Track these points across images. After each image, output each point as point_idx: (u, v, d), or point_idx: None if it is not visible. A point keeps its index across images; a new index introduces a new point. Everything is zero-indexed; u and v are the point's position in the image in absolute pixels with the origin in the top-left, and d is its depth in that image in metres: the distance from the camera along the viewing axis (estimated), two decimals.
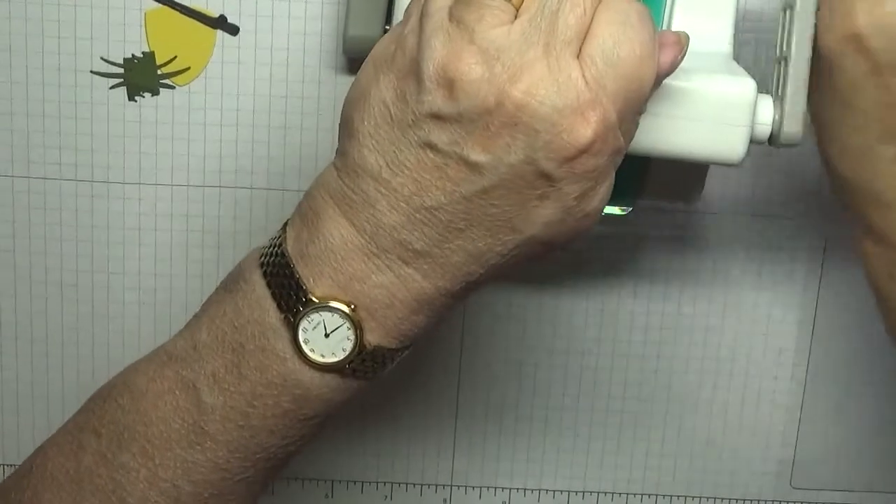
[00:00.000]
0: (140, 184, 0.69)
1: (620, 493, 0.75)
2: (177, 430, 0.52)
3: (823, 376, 0.73)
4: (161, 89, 0.68)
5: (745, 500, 0.75)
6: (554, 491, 0.75)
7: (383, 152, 0.49)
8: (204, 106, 0.68)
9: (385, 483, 0.75)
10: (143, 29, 0.68)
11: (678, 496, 0.75)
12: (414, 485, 0.75)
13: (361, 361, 0.51)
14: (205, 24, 0.68)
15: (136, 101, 0.69)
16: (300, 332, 0.51)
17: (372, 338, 0.51)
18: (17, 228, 0.70)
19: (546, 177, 0.48)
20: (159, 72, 0.68)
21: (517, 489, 0.75)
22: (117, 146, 0.69)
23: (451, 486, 0.75)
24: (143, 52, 0.68)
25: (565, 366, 0.73)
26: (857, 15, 0.52)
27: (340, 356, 0.51)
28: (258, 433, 0.52)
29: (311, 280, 0.50)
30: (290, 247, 0.51)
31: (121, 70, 0.68)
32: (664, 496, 0.75)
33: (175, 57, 0.68)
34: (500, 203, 0.49)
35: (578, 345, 0.73)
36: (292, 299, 0.51)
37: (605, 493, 0.75)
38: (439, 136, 0.48)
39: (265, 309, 0.51)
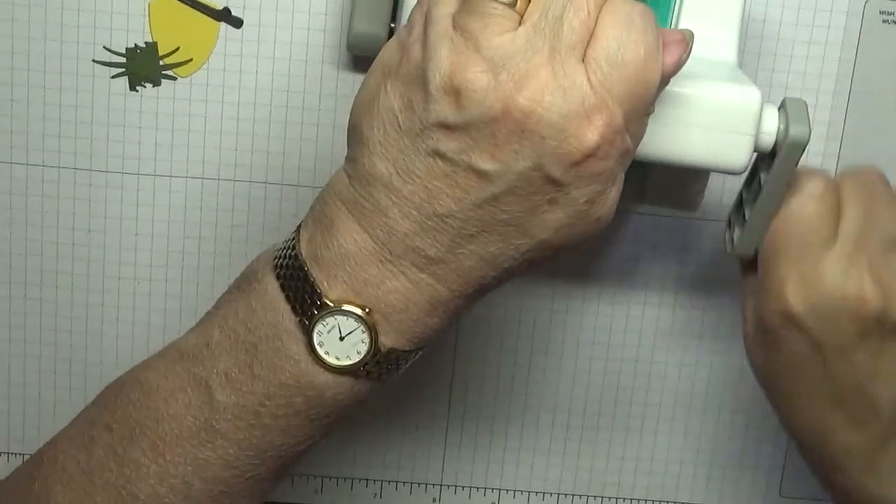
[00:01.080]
0: (139, 174, 0.69)
1: (609, 497, 0.75)
2: (188, 428, 0.52)
3: None
4: (163, 80, 0.68)
5: None
6: (543, 493, 0.75)
7: (393, 160, 0.49)
8: (205, 98, 0.68)
9: (375, 481, 0.75)
10: (147, 19, 0.67)
11: (666, 502, 0.75)
12: (404, 483, 0.75)
13: (376, 364, 0.51)
14: (208, 15, 0.67)
15: (137, 91, 0.68)
16: (315, 335, 0.51)
17: (387, 340, 0.51)
18: (14, 215, 0.70)
19: (554, 182, 0.48)
20: (161, 62, 0.68)
21: (507, 490, 0.75)
22: (117, 136, 0.69)
23: (441, 485, 0.75)
24: (145, 43, 0.68)
25: (558, 368, 0.73)
26: (789, 297, 0.55)
27: (355, 359, 0.51)
28: (269, 432, 0.52)
29: (326, 283, 0.50)
30: (304, 249, 0.51)
31: (123, 60, 0.68)
32: (653, 501, 0.75)
33: (178, 48, 0.68)
34: (510, 209, 0.49)
35: (572, 348, 0.73)
36: (307, 302, 0.51)
37: (595, 496, 0.75)
38: (447, 144, 0.48)
39: (279, 311, 0.51)
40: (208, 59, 0.68)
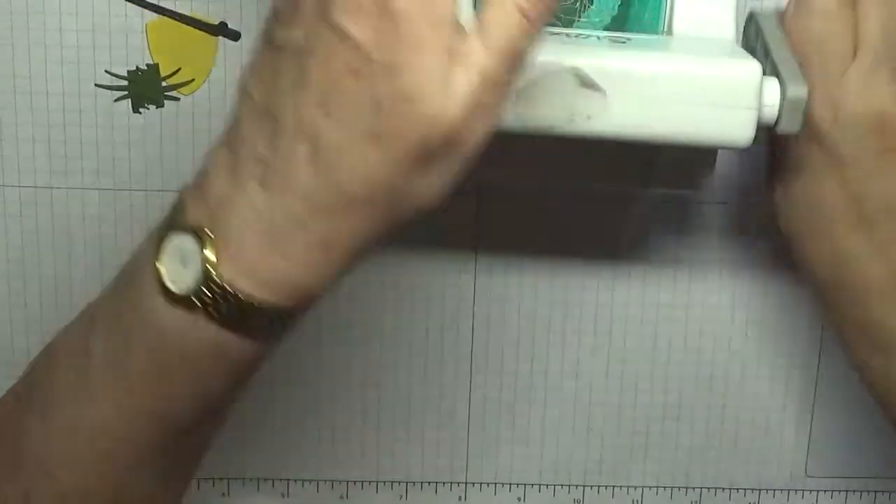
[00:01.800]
0: (146, 191, 0.70)
1: (636, 487, 0.75)
2: (70, 386, 0.51)
3: (837, 363, 0.73)
4: (166, 101, 0.69)
5: (759, 489, 0.75)
6: (569, 486, 0.75)
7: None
8: (209, 112, 0.69)
9: (400, 483, 0.75)
10: (145, 40, 0.68)
11: (693, 488, 0.75)
12: (429, 483, 0.75)
13: (214, 300, 0.47)
14: (206, 31, 0.68)
15: (140, 112, 0.69)
16: (162, 257, 0.47)
17: (225, 272, 0.46)
18: (25, 239, 0.70)
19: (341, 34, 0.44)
20: (164, 83, 0.68)
21: (532, 485, 0.75)
22: (122, 154, 0.69)
23: (466, 483, 0.75)
24: (147, 65, 0.68)
25: (577, 360, 0.73)
26: (814, 114, 0.54)
27: (191, 285, 0.47)
28: (135, 387, 0.49)
29: (189, 203, 0.48)
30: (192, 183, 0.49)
31: (125, 83, 0.68)
32: (679, 488, 0.75)
33: (179, 69, 0.68)
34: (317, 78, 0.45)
35: (590, 338, 0.73)
36: (163, 225, 0.48)
37: (621, 486, 0.75)
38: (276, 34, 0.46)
39: (144, 246, 0.49)
40: (209, 74, 0.68)
